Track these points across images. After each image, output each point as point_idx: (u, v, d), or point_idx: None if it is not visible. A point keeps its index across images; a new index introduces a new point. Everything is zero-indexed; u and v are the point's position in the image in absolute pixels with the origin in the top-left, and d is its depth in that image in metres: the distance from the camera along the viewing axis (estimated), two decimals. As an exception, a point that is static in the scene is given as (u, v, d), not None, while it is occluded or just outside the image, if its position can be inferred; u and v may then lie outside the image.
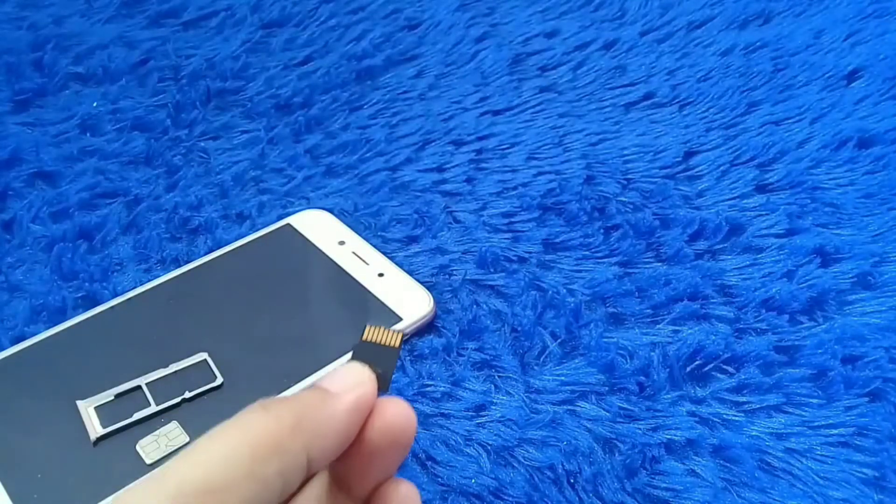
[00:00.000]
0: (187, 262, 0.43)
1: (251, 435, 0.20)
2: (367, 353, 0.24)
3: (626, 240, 0.45)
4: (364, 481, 0.23)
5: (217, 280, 0.42)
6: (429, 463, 0.35)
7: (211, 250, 0.44)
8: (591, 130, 0.52)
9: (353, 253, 0.43)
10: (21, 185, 0.48)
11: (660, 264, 0.43)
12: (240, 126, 0.53)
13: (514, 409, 0.37)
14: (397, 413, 0.23)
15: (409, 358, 0.39)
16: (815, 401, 0.37)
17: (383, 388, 0.23)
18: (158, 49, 0.59)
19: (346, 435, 0.22)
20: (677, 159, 0.49)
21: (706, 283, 0.42)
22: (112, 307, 0.41)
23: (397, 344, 0.24)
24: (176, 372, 0.37)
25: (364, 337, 0.24)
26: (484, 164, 0.50)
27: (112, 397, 0.36)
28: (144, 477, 0.21)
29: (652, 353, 0.38)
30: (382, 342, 0.24)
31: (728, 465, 0.35)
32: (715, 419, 0.36)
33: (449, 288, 0.42)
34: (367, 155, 0.51)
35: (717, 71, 0.56)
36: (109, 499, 0.26)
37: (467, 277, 0.43)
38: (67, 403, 0.36)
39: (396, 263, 0.43)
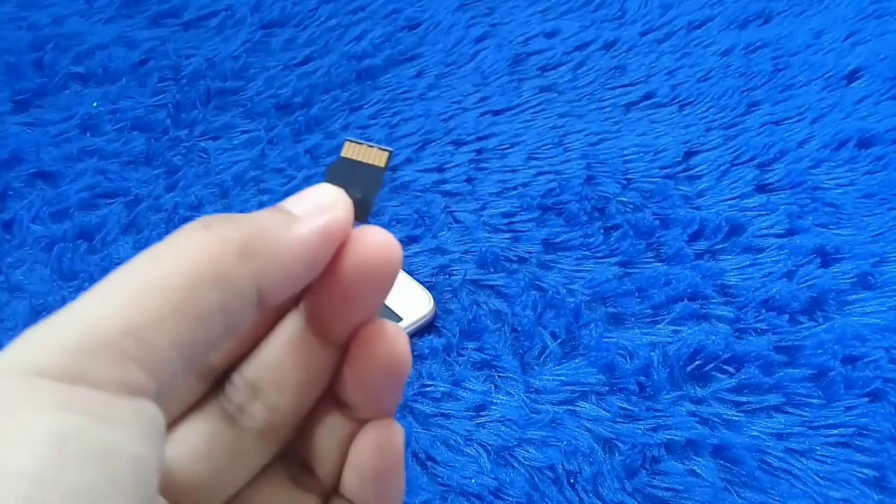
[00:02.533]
0: (187, 262, 0.43)
1: (186, 260, 0.16)
2: (344, 173, 0.20)
3: (626, 240, 0.45)
4: (341, 322, 0.20)
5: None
6: (429, 463, 0.35)
7: (211, 250, 0.44)
8: (591, 130, 0.52)
9: (353, 253, 0.43)
10: (21, 185, 0.48)
11: (660, 264, 0.43)
12: (240, 126, 0.53)
13: (515, 409, 0.37)
14: (376, 242, 0.19)
15: (409, 358, 0.39)
16: (815, 401, 0.37)
17: (362, 216, 0.20)
18: (158, 49, 0.59)
19: (307, 266, 0.18)
20: (677, 159, 0.49)
21: (706, 283, 0.42)
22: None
23: (383, 163, 0.20)
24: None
25: (343, 153, 0.20)
26: (484, 164, 0.50)
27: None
28: (35, 325, 0.16)
29: (652, 353, 0.38)
30: (365, 160, 0.20)
31: (728, 465, 0.35)
32: (715, 419, 0.36)
33: (449, 288, 0.42)
34: (367, 155, 0.51)
35: (718, 71, 0.56)
36: None
37: (467, 277, 0.43)
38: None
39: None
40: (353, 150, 0.20)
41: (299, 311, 0.20)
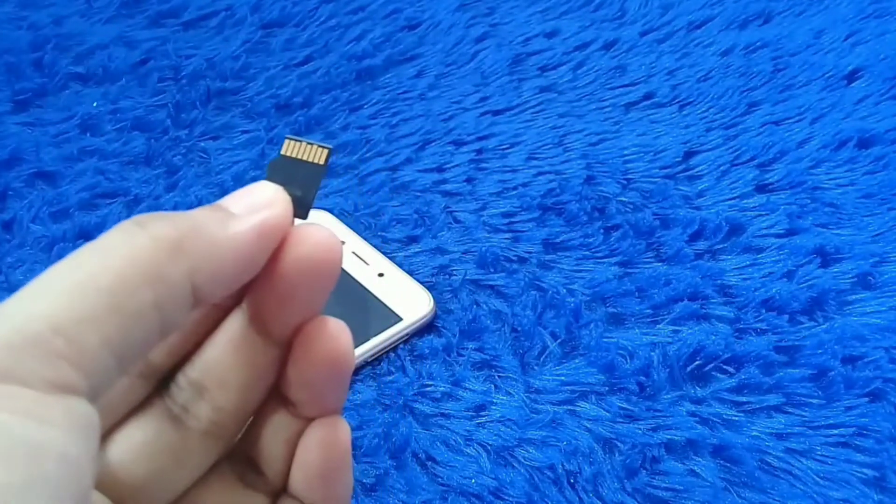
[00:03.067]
0: (187, 262, 0.43)
1: (118, 257, 0.16)
2: (284, 171, 0.20)
3: (626, 240, 0.45)
4: (283, 320, 0.19)
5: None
6: (429, 463, 0.35)
7: (211, 250, 0.44)
8: (591, 130, 0.52)
9: (353, 253, 0.43)
10: (21, 185, 0.48)
11: (660, 264, 0.43)
12: (240, 126, 0.53)
13: (514, 409, 0.37)
14: (316, 240, 0.19)
15: (409, 358, 0.39)
16: (815, 401, 0.37)
17: (301, 213, 0.19)
18: (158, 49, 0.59)
19: (244, 263, 0.18)
20: (677, 159, 0.49)
21: (706, 284, 0.42)
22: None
23: (322, 161, 0.20)
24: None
25: (283, 151, 0.20)
26: (484, 164, 0.50)
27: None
28: None
29: (652, 353, 0.38)
30: (305, 158, 0.20)
31: (728, 465, 0.35)
32: (715, 419, 0.36)
33: (449, 288, 0.42)
34: (367, 155, 0.51)
35: (717, 71, 0.56)
36: None
37: (467, 277, 0.43)
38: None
39: (396, 263, 0.43)
40: (293, 148, 0.20)
41: (242, 310, 0.20)
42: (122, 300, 0.16)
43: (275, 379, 0.20)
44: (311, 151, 0.20)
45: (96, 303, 0.15)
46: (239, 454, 0.21)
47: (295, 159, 0.20)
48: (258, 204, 0.19)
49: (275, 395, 0.21)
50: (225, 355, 0.20)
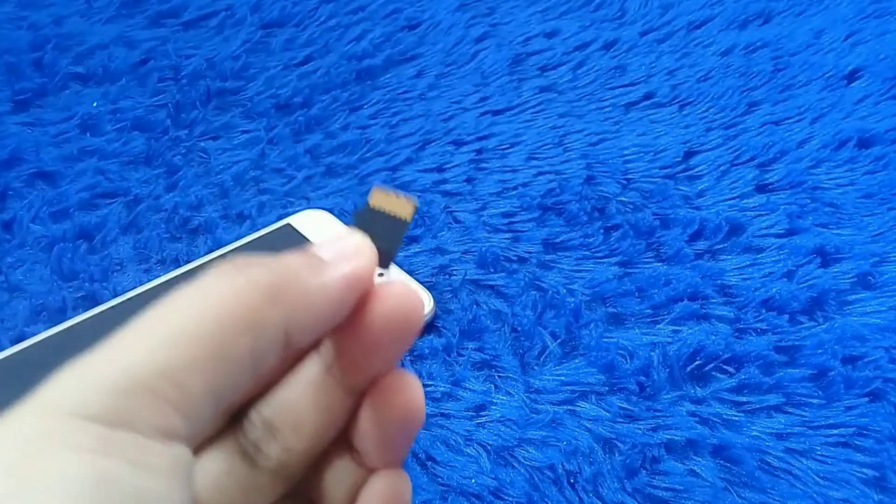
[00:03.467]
0: (187, 261, 0.43)
1: (218, 304, 0.16)
2: (370, 222, 0.20)
3: (626, 240, 0.45)
4: (361, 371, 0.20)
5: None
6: (429, 463, 0.35)
7: (211, 250, 0.44)
8: (591, 130, 0.52)
9: (353, 253, 0.43)
10: (21, 185, 0.48)
11: (660, 264, 0.43)
12: (240, 126, 0.53)
13: (514, 409, 0.37)
14: (401, 297, 0.19)
15: (409, 358, 0.39)
16: (815, 401, 0.37)
17: (384, 265, 0.20)
18: (158, 49, 0.59)
19: (334, 312, 0.18)
20: (677, 159, 0.49)
21: (706, 283, 0.42)
22: (112, 307, 0.41)
23: (408, 216, 0.20)
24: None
25: (370, 202, 0.20)
26: (484, 164, 0.50)
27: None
28: (71, 366, 0.16)
29: (652, 353, 0.38)
30: (391, 212, 0.20)
31: (728, 465, 0.35)
32: (715, 419, 0.36)
33: (449, 288, 0.42)
34: (368, 155, 0.51)
35: (717, 71, 0.56)
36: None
37: (467, 277, 0.43)
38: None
39: (396, 263, 0.43)
40: (380, 200, 0.20)
41: (320, 356, 0.20)
42: (223, 346, 0.16)
43: (344, 426, 0.21)
44: (397, 204, 0.20)
45: (200, 349, 0.16)
46: (301, 495, 0.22)
47: (381, 211, 0.20)
48: (347, 253, 0.19)
49: (340, 441, 0.21)
50: (300, 399, 0.20)
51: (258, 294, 0.17)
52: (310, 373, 0.20)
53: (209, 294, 0.17)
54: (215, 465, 0.20)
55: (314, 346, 0.21)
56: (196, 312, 0.16)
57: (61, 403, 0.15)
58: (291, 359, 0.21)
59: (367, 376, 0.20)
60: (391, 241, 0.20)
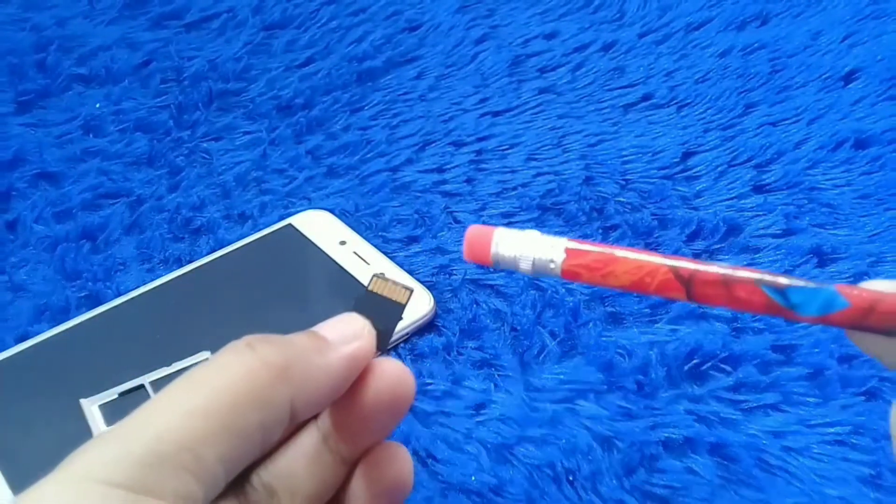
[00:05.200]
0: (190, 261, 0.44)
1: (232, 381, 0.18)
2: (369, 305, 0.22)
3: (625, 240, 0.45)
4: (355, 443, 0.22)
5: (219, 280, 0.42)
6: (429, 460, 0.35)
7: (213, 250, 0.44)
8: (590, 131, 0.52)
9: (354, 253, 0.43)
10: (24, 186, 0.49)
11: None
12: (242, 127, 0.54)
13: (514, 407, 0.37)
14: (396, 376, 0.21)
15: (409, 357, 0.40)
16: (811, 399, 0.37)
17: (381, 346, 0.22)
18: (161, 50, 0.59)
19: (336, 389, 0.20)
20: (675, 160, 0.50)
21: (704, 283, 0.42)
22: (115, 306, 0.41)
23: (404, 300, 0.22)
24: (179, 371, 0.37)
25: (370, 288, 0.22)
26: (484, 165, 0.50)
27: (116, 396, 0.36)
28: (98, 437, 0.18)
29: (650, 352, 0.39)
30: (388, 296, 0.22)
31: (726, 463, 0.35)
32: (713, 417, 0.36)
33: (449, 287, 0.43)
34: (368, 156, 0.51)
35: (715, 72, 0.56)
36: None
37: (467, 277, 0.43)
38: (71, 402, 0.36)
39: (397, 263, 0.43)
40: (379, 286, 0.22)
41: (317, 426, 0.22)
42: (235, 421, 0.18)
43: (337, 492, 0.22)
44: (394, 291, 0.22)
45: (215, 423, 0.17)
46: None
47: (379, 296, 0.22)
48: (349, 335, 0.21)
49: None
50: (298, 467, 0.22)
51: (268, 373, 0.18)
52: (307, 442, 0.22)
53: (224, 372, 0.18)
54: None
55: (313, 416, 0.22)
56: (211, 389, 0.18)
57: (91, 472, 0.16)
58: (292, 427, 0.22)
59: (361, 446, 0.22)
60: (388, 324, 0.22)
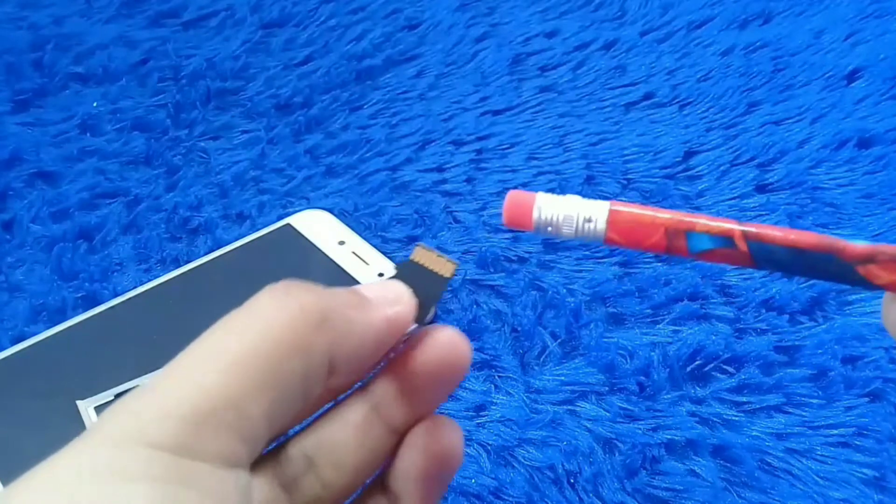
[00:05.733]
0: (187, 262, 0.43)
1: (271, 328, 0.17)
2: (410, 275, 0.21)
3: (627, 240, 0.45)
4: (407, 412, 0.21)
5: (217, 280, 0.42)
6: (429, 463, 0.35)
7: (211, 250, 0.44)
8: (592, 130, 0.52)
9: (353, 253, 0.43)
10: (21, 186, 0.48)
11: (660, 264, 0.43)
12: (240, 126, 0.53)
13: (514, 409, 0.37)
14: (451, 342, 0.20)
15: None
16: (815, 401, 0.37)
17: (419, 319, 0.21)
18: (158, 49, 0.59)
19: (373, 349, 0.19)
20: (677, 159, 0.49)
21: (706, 284, 0.42)
22: (112, 307, 0.41)
23: (448, 274, 0.21)
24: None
25: (412, 257, 0.21)
26: (484, 164, 0.50)
27: (112, 397, 0.36)
28: (133, 393, 0.16)
29: (652, 353, 0.38)
30: (432, 268, 0.21)
31: (728, 465, 0.35)
32: (715, 419, 0.36)
33: (449, 288, 0.42)
34: (367, 155, 0.51)
35: (718, 71, 0.56)
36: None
37: (467, 277, 0.43)
38: (68, 403, 0.36)
39: (397, 263, 0.43)
40: (423, 256, 0.21)
41: (365, 396, 0.21)
42: (278, 371, 0.16)
43: (382, 466, 0.21)
44: (439, 263, 0.21)
45: (258, 375, 0.16)
46: None
47: (422, 266, 0.21)
48: (389, 297, 0.20)
49: (376, 484, 0.22)
50: (344, 437, 0.21)
51: (308, 319, 0.17)
52: (355, 412, 0.21)
53: (263, 318, 0.17)
54: (256, 495, 0.20)
55: (351, 385, 0.21)
56: (251, 338, 0.17)
57: (130, 433, 0.15)
58: (327, 396, 0.21)
59: (414, 415, 0.21)
60: (429, 297, 0.21)
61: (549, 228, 0.21)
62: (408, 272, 0.21)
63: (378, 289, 0.20)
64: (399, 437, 0.21)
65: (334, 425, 0.21)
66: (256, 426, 0.16)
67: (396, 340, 0.20)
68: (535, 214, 0.21)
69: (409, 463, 0.21)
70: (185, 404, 0.15)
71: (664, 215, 0.20)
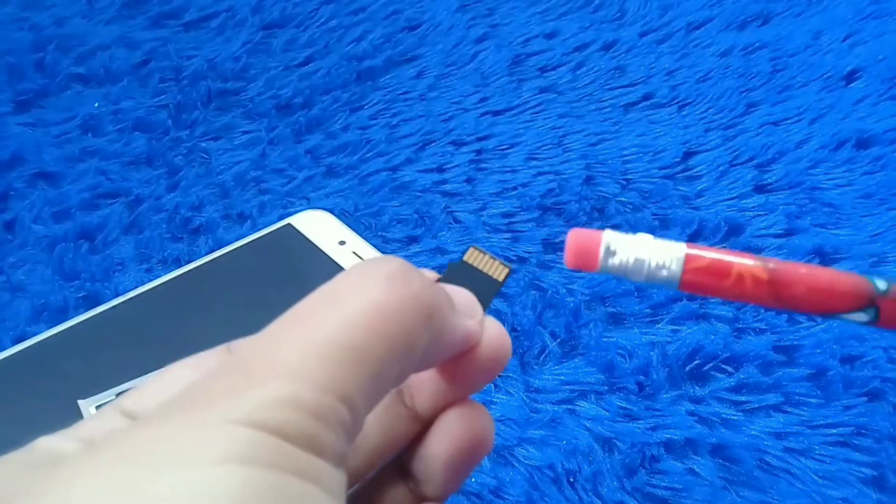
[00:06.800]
0: (188, 261, 0.44)
1: (385, 321, 0.15)
2: (460, 276, 0.20)
3: (626, 240, 0.45)
4: (436, 400, 0.20)
5: (218, 280, 0.42)
6: (429, 462, 0.35)
7: (212, 250, 0.44)
8: (591, 131, 0.52)
9: (354, 253, 0.43)
10: (23, 186, 0.49)
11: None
12: (241, 126, 0.53)
13: (514, 408, 0.37)
14: (492, 334, 0.19)
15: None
16: (813, 400, 0.37)
17: None
18: (160, 50, 0.59)
19: (449, 353, 0.18)
20: (676, 160, 0.49)
21: (705, 283, 0.42)
22: (113, 307, 0.41)
23: (501, 278, 0.20)
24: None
25: (466, 258, 0.20)
26: (484, 165, 0.50)
27: (114, 396, 0.36)
28: (229, 372, 0.15)
29: (651, 353, 0.39)
30: (485, 270, 0.20)
31: (727, 464, 0.35)
32: (714, 418, 0.36)
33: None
34: (368, 155, 0.51)
35: (716, 72, 0.56)
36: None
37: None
38: (69, 403, 0.36)
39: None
40: (477, 258, 0.20)
41: None
42: (386, 367, 0.15)
43: (402, 450, 0.21)
44: (492, 266, 0.20)
45: (370, 371, 0.15)
46: None
47: (475, 269, 0.20)
48: (468, 309, 0.19)
49: (394, 466, 0.21)
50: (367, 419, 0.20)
51: (418, 314, 0.16)
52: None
53: (379, 306, 0.15)
54: None
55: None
56: (367, 328, 0.15)
57: (253, 417, 0.14)
58: None
59: (442, 403, 0.20)
60: (480, 300, 0.20)
61: (617, 271, 0.19)
62: (460, 273, 0.20)
63: (458, 296, 0.19)
64: (421, 424, 0.20)
65: None
66: (359, 426, 0.15)
67: (462, 351, 0.19)
68: (601, 256, 0.19)
69: (439, 448, 0.20)
70: (307, 397, 0.14)
71: (746, 261, 0.19)
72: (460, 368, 0.19)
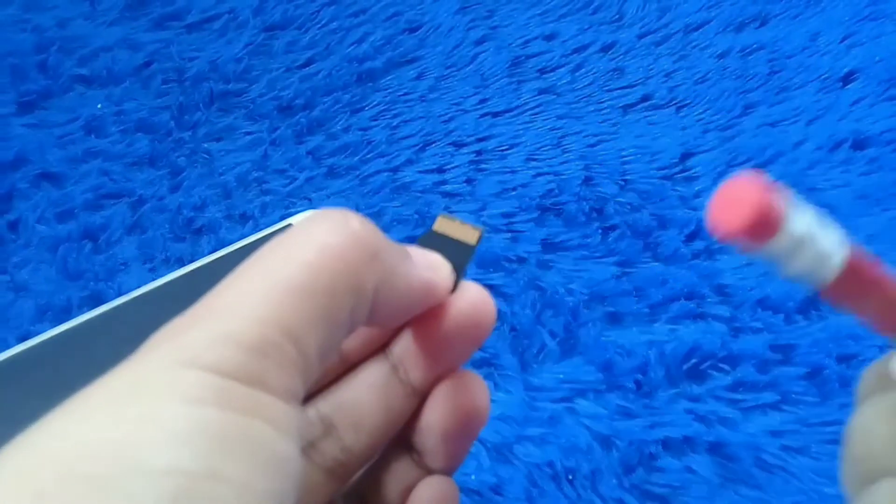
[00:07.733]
0: (191, 261, 0.44)
1: (329, 256, 0.15)
2: (434, 246, 0.20)
3: (624, 240, 0.45)
4: (429, 371, 0.20)
5: (221, 279, 0.42)
6: (429, 459, 0.36)
7: (215, 250, 0.44)
8: (590, 132, 0.52)
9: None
10: (26, 186, 0.49)
11: (657, 264, 0.44)
12: (243, 128, 0.54)
13: (514, 406, 0.37)
14: (475, 299, 0.19)
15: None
16: (810, 399, 0.37)
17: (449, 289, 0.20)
18: (162, 51, 0.59)
19: (409, 305, 0.18)
20: (674, 160, 0.50)
21: (703, 283, 0.42)
22: (117, 306, 0.41)
23: (473, 241, 0.20)
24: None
25: (435, 227, 0.20)
26: (484, 166, 0.50)
27: (118, 395, 0.36)
28: (183, 317, 0.15)
29: (649, 352, 0.39)
30: (456, 236, 0.20)
31: (724, 461, 0.35)
32: (711, 417, 0.37)
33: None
34: (369, 156, 0.51)
35: (714, 73, 0.56)
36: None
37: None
38: (74, 401, 0.36)
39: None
40: (445, 226, 0.20)
41: (385, 357, 0.21)
42: (332, 305, 0.15)
43: (403, 427, 0.21)
44: (463, 231, 0.20)
45: (315, 306, 0.15)
46: (353, 494, 0.21)
47: (446, 236, 0.20)
48: (428, 263, 0.19)
49: (398, 443, 0.21)
50: (364, 398, 0.20)
51: (363, 252, 0.16)
52: (375, 372, 0.20)
53: (318, 246, 0.16)
54: None
55: (377, 349, 0.21)
56: (307, 267, 0.15)
57: (190, 357, 0.14)
58: (349, 361, 0.21)
59: (435, 374, 0.20)
60: (455, 266, 0.19)
61: (784, 250, 0.14)
62: (431, 243, 0.20)
63: (417, 253, 0.19)
64: (419, 398, 0.20)
65: (354, 388, 0.20)
66: (312, 363, 0.15)
67: (429, 305, 0.19)
68: (784, 220, 0.14)
69: (435, 420, 0.20)
70: (248, 333, 0.14)
71: None
72: (436, 329, 0.19)
